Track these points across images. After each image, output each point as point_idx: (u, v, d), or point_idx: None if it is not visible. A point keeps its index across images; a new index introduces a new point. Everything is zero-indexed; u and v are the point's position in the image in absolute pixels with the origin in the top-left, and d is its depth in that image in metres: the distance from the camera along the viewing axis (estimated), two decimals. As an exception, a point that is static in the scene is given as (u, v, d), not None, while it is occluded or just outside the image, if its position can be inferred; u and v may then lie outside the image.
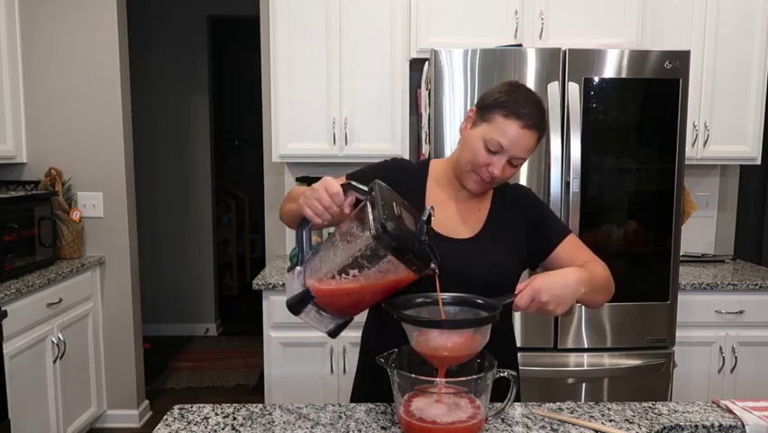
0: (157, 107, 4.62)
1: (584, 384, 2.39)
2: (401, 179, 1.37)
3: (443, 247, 1.28)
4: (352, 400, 1.44)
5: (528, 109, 1.25)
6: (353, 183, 1.12)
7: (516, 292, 1.15)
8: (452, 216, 1.37)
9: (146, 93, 4.51)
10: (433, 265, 1.07)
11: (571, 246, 1.38)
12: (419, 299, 1.16)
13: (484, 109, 1.28)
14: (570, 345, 2.38)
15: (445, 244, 1.31)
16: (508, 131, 1.24)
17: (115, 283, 3.12)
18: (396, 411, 1.14)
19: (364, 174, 1.39)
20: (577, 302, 1.24)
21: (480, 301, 1.15)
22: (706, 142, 2.80)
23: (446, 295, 1.17)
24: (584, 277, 1.20)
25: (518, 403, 1.28)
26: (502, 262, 1.34)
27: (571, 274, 1.19)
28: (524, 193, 1.45)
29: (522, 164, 1.30)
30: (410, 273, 1.06)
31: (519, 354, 2.32)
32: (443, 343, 1.07)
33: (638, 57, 2.29)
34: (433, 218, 1.08)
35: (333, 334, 1.18)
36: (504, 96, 1.26)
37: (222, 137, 6.40)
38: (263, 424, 1.18)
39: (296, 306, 1.13)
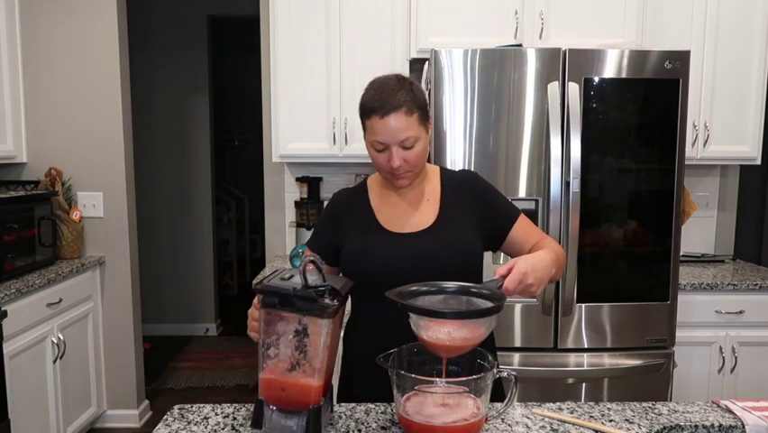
0: (157, 107, 4.62)
1: (584, 384, 2.39)
2: (346, 210, 1.46)
3: (406, 242, 1.36)
4: (338, 401, 1.44)
5: (377, 100, 1.30)
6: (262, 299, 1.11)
7: (499, 276, 1.17)
8: (404, 213, 1.43)
9: (146, 93, 4.51)
10: (335, 301, 1.05)
11: (523, 226, 1.44)
12: (423, 288, 1.16)
13: (361, 122, 1.37)
14: (570, 345, 2.38)
15: (407, 239, 1.38)
16: (375, 128, 1.31)
17: (115, 283, 3.12)
18: (396, 411, 1.14)
19: (318, 233, 1.50)
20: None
21: (482, 291, 1.15)
22: (706, 143, 2.80)
23: (448, 283, 1.17)
24: (553, 258, 1.28)
25: (518, 403, 1.28)
26: (466, 242, 1.38)
27: (545, 256, 1.26)
28: (470, 177, 1.49)
29: (418, 141, 1.33)
30: (319, 321, 1.04)
31: (519, 355, 2.36)
32: (448, 334, 1.08)
33: (638, 57, 2.29)
34: (322, 265, 1.08)
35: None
36: (362, 101, 1.35)
37: (222, 137, 6.39)
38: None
39: (256, 420, 1.08)
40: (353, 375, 1.45)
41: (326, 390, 1.13)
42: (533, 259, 1.22)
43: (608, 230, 2.36)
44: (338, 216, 1.46)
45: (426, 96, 1.41)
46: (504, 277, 1.17)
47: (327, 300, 1.05)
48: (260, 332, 1.08)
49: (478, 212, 1.42)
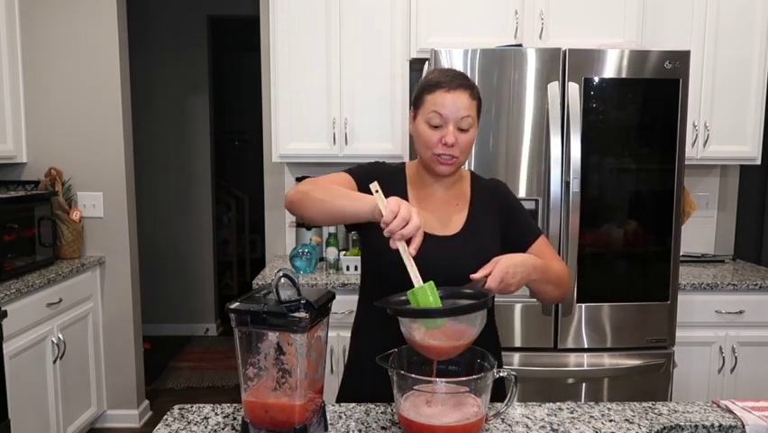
0: (157, 107, 4.62)
1: (584, 384, 2.39)
2: (383, 181, 1.38)
3: (430, 245, 1.30)
4: (337, 400, 1.44)
5: (445, 77, 1.34)
6: None
7: (482, 275, 1.18)
8: (434, 213, 1.41)
9: (146, 93, 4.51)
10: (309, 315, 1.02)
11: (540, 248, 1.44)
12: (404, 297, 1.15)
13: (414, 102, 1.39)
14: (570, 345, 2.38)
15: (432, 241, 1.34)
16: (438, 100, 1.32)
17: (115, 283, 3.12)
18: (396, 411, 1.14)
19: (363, 171, 1.45)
20: (531, 293, 1.37)
21: (465, 292, 1.16)
22: (706, 143, 2.80)
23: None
24: (539, 265, 1.30)
25: (518, 403, 1.28)
26: (488, 256, 1.33)
27: (528, 260, 1.28)
28: (499, 187, 1.51)
29: (472, 128, 1.35)
30: (293, 337, 1.02)
31: (519, 354, 2.36)
32: (438, 335, 1.08)
33: (638, 57, 2.29)
34: (296, 279, 1.05)
35: None
36: (426, 78, 1.38)
37: (222, 137, 6.39)
38: (263, 424, 1.18)
39: None
40: (358, 372, 1.44)
41: (316, 407, 1.11)
42: (516, 258, 1.24)
43: (608, 230, 2.36)
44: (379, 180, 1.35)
45: None
46: (486, 276, 1.18)
47: (300, 314, 1.02)
48: (236, 354, 1.06)
49: (500, 225, 1.43)
